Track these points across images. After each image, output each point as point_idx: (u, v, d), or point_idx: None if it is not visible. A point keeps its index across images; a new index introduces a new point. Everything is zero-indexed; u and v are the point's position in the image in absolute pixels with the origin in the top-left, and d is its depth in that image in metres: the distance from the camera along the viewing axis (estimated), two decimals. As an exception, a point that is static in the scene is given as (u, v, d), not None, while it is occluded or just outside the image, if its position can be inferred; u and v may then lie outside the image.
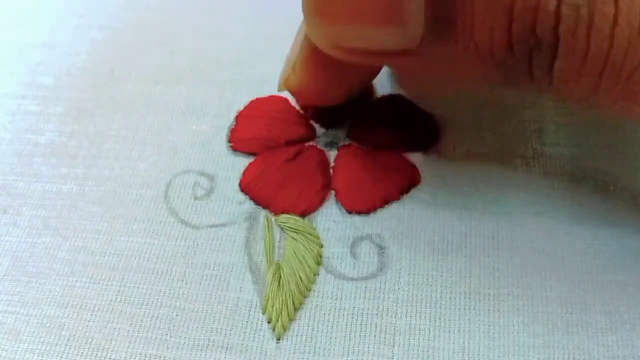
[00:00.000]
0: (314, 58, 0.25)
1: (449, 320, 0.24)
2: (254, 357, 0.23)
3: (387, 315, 0.24)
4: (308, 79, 0.26)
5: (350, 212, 0.26)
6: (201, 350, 0.23)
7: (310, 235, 0.26)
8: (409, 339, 0.23)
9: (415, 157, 0.28)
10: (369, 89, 0.30)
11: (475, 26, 0.19)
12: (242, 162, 0.28)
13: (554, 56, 0.18)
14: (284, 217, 0.26)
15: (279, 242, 0.26)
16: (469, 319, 0.24)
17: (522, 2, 0.18)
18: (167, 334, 0.24)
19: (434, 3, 0.19)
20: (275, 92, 0.30)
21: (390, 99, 0.30)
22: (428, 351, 0.23)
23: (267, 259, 0.25)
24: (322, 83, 0.26)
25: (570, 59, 0.18)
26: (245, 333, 0.24)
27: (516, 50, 0.19)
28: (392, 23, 0.19)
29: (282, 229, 0.26)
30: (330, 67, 0.25)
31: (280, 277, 0.25)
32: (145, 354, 0.23)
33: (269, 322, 0.24)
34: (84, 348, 0.24)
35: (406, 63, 0.22)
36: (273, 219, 0.26)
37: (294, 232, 0.26)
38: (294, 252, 0.25)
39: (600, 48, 0.18)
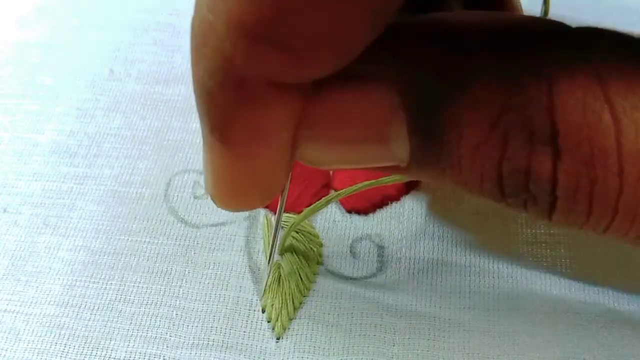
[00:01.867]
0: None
1: (449, 319, 0.24)
2: (254, 356, 0.23)
3: (387, 314, 0.24)
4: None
5: (349, 212, 0.26)
6: (201, 349, 0.23)
7: (310, 234, 0.26)
8: (409, 338, 0.23)
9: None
10: None
11: (462, 169, 0.17)
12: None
13: (552, 210, 0.17)
14: (284, 217, 0.26)
15: (279, 241, 0.26)
16: (469, 319, 0.24)
17: (511, 163, 0.16)
18: (166, 333, 0.24)
19: (421, 134, 0.18)
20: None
21: None
22: (428, 350, 0.23)
23: (266, 258, 0.25)
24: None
25: (570, 217, 0.17)
26: (244, 332, 0.24)
27: (509, 201, 0.17)
28: (377, 146, 0.18)
29: (282, 228, 0.26)
30: None
31: (280, 276, 0.25)
32: (145, 353, 0.23)
33: (268, 322, 0.24)
34: (83, 347, 0.24)
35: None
36: (273, 218, 0.26)
37: (294, 231, 0.26)
38: (294, 251, 0.25)
39: (604, 214, 0.16)
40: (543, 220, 0.18)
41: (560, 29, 0.17)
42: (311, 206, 0.25)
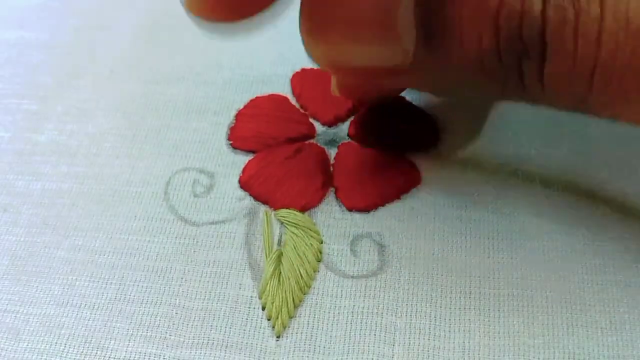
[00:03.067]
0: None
1: (449, 319, 0.24)
2: (254, 355, 0.23)
3: (387, 313, 0.24)
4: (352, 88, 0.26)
5: (350, 210, 0.26)
6: (201, 348, 0.23)
7: (311, 230, 0.26)
8: (409, 337, 0.23)
9: (415, 157, 0.28)
10: None
11: (463, 35, 0.19)
12: (242, 160, 0.28)
13: (542, 61, 0.18)
14: (283, 212, 0.26)
15: (279, 237, 0.26)
16: (469, 319, 0.24)
17: (507, 7, 0.18)
18: (166, 332, 0.24)
19: (423, 16, 0.19)
20: (275, 92, 0.30)
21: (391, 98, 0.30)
22: (428, 350, 0.23)
23: (266, 255, 0.25)
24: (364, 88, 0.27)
25: (559, 63, 0.18)
26: (244, 330, 0.24)
27: (505, 58, 0.19)
28: (385, 39, 0.19)
29: (282, 223, 0.26)
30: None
31: (280, 273, 0.25)
32: (145, 353, 0.23)
33: (268, 320, 0.24)
34: (83, 347, 0.24)
35: (402, 80, 0.22)
36: (272, 213, 0.26)
37: (294, 226, 0.26)
38: (294, 248, 0.25)
39: (588, 50, 0.18)
40: (536, 88, 0.19)
41: None
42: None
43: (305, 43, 0.21)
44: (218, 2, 0.21)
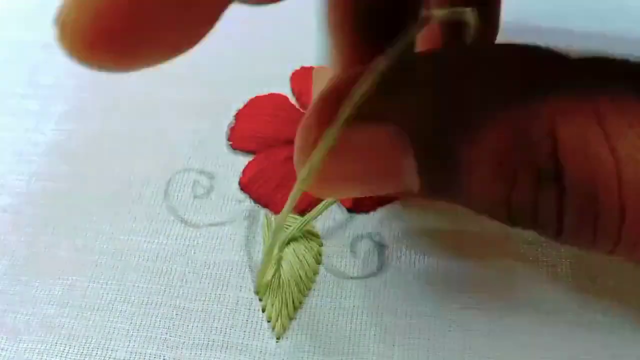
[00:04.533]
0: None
1: (449, 319, 0.24)
2: (254, 356, 0.23)
3: (387, 314, 0.24)
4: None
5: (350, 211, 0.26)
6: (201, 349, 0.23)
7: (310, 234, 0.26)
8: (409, 338, 0.23)
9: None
10: None
11: (471, 200, 0.18)
12: (242, 161, 0.28)
13: (558, 236, 0.18)
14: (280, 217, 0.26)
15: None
16: (469, 319, 0.24)
17: (519, 198, 0.17)
18: (166, 333, 0.24)
19: (431, 168, 0.18)
20: (274, 91, 0.30)
21: None
22: (428, 350, 0.23)
23: (266, 258, 0.25)
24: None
25: (575, 243, 0.18)
26: (245, 332, 0.24)
27: (518, 226, 0.18)
28: (388, 181, 0.19)
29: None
30: None
31: (280, 275, 0.25)
32: (145, 353, 0.23)
33: (268, 321, 0.24)
34: (83, 347, 0.24)
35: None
36: (273, 217, 0.26)
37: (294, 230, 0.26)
38: (294, 251, 0.25)
39: (607, 243, 0.17)
40: (552, 241, 0.18)
41: (560, 60, 0.17)
42: (312, 212, 0.26)
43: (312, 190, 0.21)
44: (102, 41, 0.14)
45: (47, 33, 0.34)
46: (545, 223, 0.17)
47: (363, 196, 0.22)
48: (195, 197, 0.27)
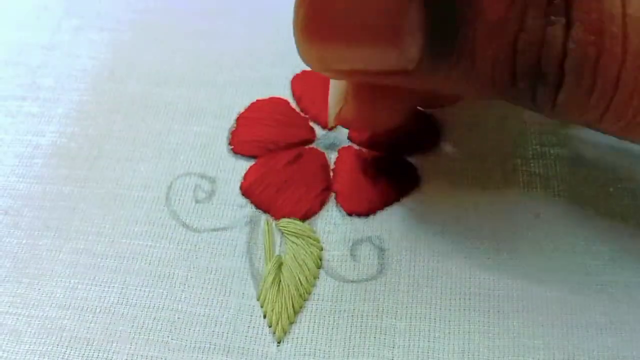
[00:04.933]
0: (367, 86, 0.23)
1: (449, 321, 0.24)
2: (255, 360, 0.23)
3: (387, 316, 0.24)
4: (363, 108, 0.24)
5: (350, 214, 0.27)
6: (202, 352, 0.23)
7: (311, 238, 0.26)
8: (409, 340, 0.23)
9: (415, 159, 0.28)
10: None
11: (476, 56, 0.18)
12: (243, 165, 0.28)
13: (557, 88, 0.18)
14: (284, 222, 0.26)
15: (280, 246, 0.26)
16: (469, 320, 0.24)
17: (527, 37, 0.17)
18: (168, 337, 0.24)
19: (434, 27, 0.18)
20: (275, 94, 0.30)
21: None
22: (428, 352, 0.23)
23: (267, 264, 0.25)
24: (378, 110, 0.24)
25: (574, 94, 0.18)
26: (246, 336, 0.24)
27: (519, 82, 0.18)
28: (389, 43, 0.18)
29: (282, 233, 0.26)
30: (385, 93, 0.23)
31: (280, 280, 0.25)
32: (147, 356, 0.23)
33: (269, 326, 0.24)
34: (85, 350, 0.24)
35: (403, 83, 0.21)
36: (274, 223, 0.26)
37: (295, 236, 0.26)
38: (294, 257, 0.25)
39: (606, 87, 0.17)
40: (547, 108, 0.18)
41: None
42: None
43: (298, 42, 0.20)
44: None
45: (48, 34, 0.35)
46: (548, 66, 0.17)
47: (358, 70, 0.20)
48: (196, 201, 0.27)
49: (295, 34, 0.19)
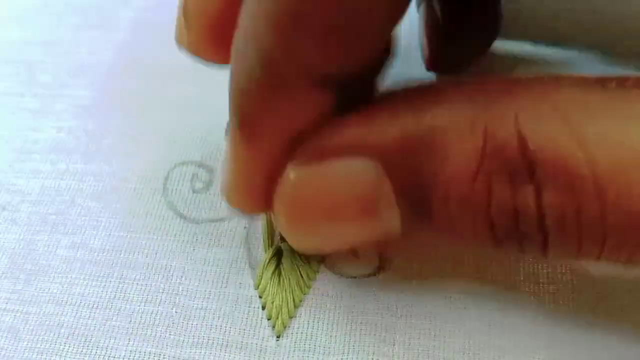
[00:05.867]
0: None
1: (449, 319, 0.24)
2: (254, 355, 0.23)
3: (387, 313, 0.24)
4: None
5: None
6: (200, 347, 0.23)
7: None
8: (409, 337, 0.23)
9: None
10: None
11: (455, 225, 0.18)
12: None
13: (545, 246, 0.18)
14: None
15: (279, 236, 0.26)
16: (469, 319, 0.24)
17: (499, 206, 0.17)
18: (166, 331, 0.24)
19: (409, 199, 0.18)
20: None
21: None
22: (428, 350, 0.23)
23: (266, 253, 0.25)
24: None
25: (563, 248, 0.18)
26: (244, 330, 0.24)
27: (504, 244, 0.18)
28: (367, 215, 0.19)
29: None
30: None
31: (281, 273, 0.25)
32: (145, 352, 0.23)
33: (268, 319, 0.24)
34: (83, 346, 0.24)
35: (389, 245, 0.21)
36: (273, 216, 0.26)
37: None
38: (294, 249, 0.25)
39: (595, 238, 0.17)
40: (540, 257, 0.18)
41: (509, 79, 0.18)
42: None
43: (278, 224, 0.21)
44: (216, 43, 0.21)
45: (47, 32, 0.35)
46: (529, 230, 0.17)
47: (342, 248, 0.22)
48: (194, 191, 0.27)
49: (278, 218, 0.21)
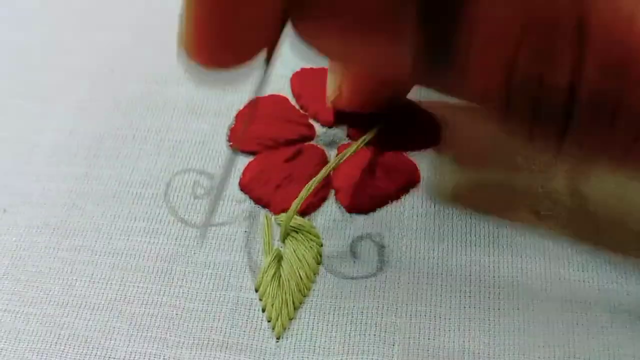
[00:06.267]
0: (359, 80, 0.26)
1: (449, 319, 0.24)
2: (254, 356, 0.23)
3: (387, 314, 0.24)
4: (355, 99, 0.27)
5: (350, 212, 0.26)
6: (201, 349, 0.23)
7: (310, 234, 0.26)
8: (409, 337, 0.23)
9: (415, 157, 0.28)
10: None
11: (469, 72, 0.16)
12: (242, 162, 0.28)
13: (563, 131, 0.15)
14: (284, 217, 0.26)
15: (279, 241, 0.26)
16: (469, 318, 0.24)
17: (524, 61, 0.14)
18: (166, 333, 0.24)
19: (431, 33, 0.16)
20: (275, 91, 0.30)
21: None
22: (428, 350, 0.23)
23: (267, 257, 0.25)
24: (367, 99, 0.28)
25: (582, 139, 0.15)
26: (245, 332, 0.24)
27: (514, 116, 0.16)
28: (386, 36, 0.17)
29: (278, 225, 0.26)
30: (375, 85, 0.26)
31: (280, 276, 0.25)
32: (145, 353, 0.23)
33: (268, 321, 0.24)
34: (83, 347, 0.24)
35: (401, 78, 0.20)
36: (273, 217, 0.26)
37: (294, 231, 0.26)
38: (294, 251, 0.25)
39: (629, 128, 0.14)
40: (549, 149, 0.16)
41: None
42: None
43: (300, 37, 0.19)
44: (218, 44, 0.18)
45: (47, 33, 0.35)
46: (551, 105, 0.14)
47: (354, 62, 0.21)
48: (195, 197, 0.27)
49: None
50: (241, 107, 0.30)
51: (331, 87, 0.28)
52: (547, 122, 0.15)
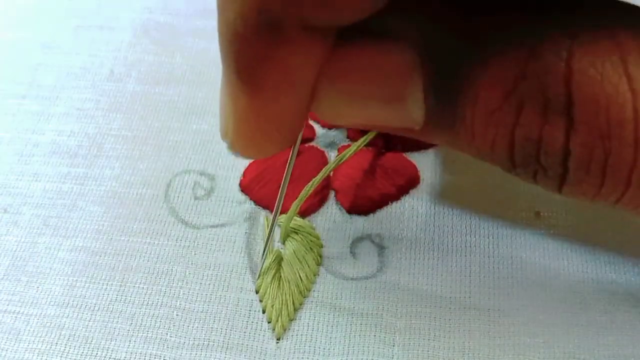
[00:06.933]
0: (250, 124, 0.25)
1: (449, 319, 0.24)
2: (254, 357, 0.23)
3: (386, 315, 0.24)
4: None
5: (350, 213, 0.26)
6: (201, 349, 0.23)
7: (310, 235, 0.26)
8: (409, 338, 0.23)
9: (415, 157, 0.28)
10: None
11: (475, 135, 0.17)
12: (243, 163, 0.28)
13: (562, 182, 0.17)
14: (284, 218, 0.26)
15: (279, 242, 0.26)
16: (469, 319, 0.24)
17: (523, 132, 0.16)
18: (167, 334, 0.24)
19: (434, 92, 0.18)
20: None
21: None
22: (428, 351, 0.23)
23: (267, 258, 0.25)
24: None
25: (580, 188, 0.17)
26: (245, 333, 0.24)
27: (518, 168, 0.17)
28: (393, 100, 0.18)
29: (278, 226, 0.26)
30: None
31: (280, 277, 0.25)
32: (145, 354, 0.23)
33: (269, 322, 0.24)
34: (84, 347, 0.24)
35: (410, 136, 0.21)
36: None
37: (294, 232, 0.26)
38: (294, 252, 0.25)
39: (617, 185, 0.16)
40: (552, 191, 0.17)
41: None
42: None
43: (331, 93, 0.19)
44: (262, 140, 0.19)
45: (47, 33, 0.35)
46: (549, 163, 0.16)
47: (366, 126, 0.21)
48: (195, 198, 0.27)
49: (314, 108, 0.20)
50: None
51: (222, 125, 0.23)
52: (547, 174, 0.17)
